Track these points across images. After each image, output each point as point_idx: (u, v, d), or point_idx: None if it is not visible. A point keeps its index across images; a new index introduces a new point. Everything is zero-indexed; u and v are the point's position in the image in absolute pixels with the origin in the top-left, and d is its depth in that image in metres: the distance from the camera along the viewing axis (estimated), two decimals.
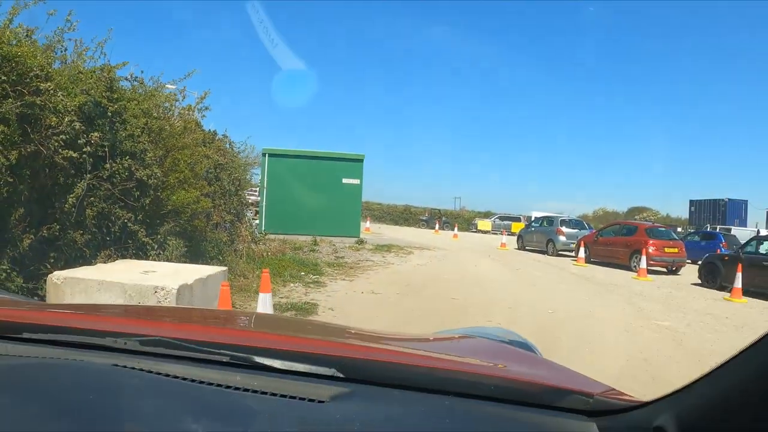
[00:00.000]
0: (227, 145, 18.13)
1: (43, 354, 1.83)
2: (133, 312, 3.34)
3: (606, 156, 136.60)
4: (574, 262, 27.47)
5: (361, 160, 31.31)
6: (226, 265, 11.66)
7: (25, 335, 1.93)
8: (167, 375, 1.70)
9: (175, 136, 12.88)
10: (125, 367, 1.73)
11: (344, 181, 30.26)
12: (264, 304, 9.03)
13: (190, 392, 1.62)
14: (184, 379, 1.68)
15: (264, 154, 29.13)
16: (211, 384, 1.66)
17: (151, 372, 1.71)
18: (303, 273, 16.59)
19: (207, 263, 12.41)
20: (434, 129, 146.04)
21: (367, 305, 12.90)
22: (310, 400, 1.58)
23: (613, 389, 1.73)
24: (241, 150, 20.44)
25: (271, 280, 9.76)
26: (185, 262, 11.27)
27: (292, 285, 14.72)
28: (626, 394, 1.72)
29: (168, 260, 11.03)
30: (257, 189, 29.73)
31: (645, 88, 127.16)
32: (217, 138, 17.39)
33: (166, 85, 13.66)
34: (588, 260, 27.57)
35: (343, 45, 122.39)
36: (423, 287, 16.34)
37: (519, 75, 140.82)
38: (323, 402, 1.57)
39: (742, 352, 1.19)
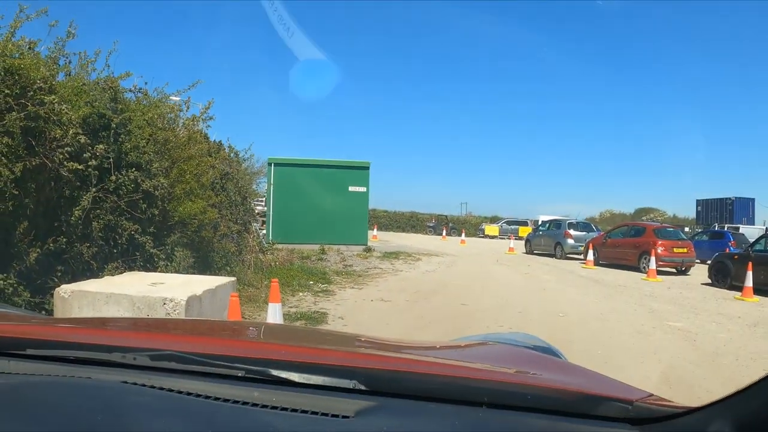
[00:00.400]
0: (232, 155, 18.07)
1: (48, 371, 1.75)
2: (143, 325, 3.27)
3: (611, 158, 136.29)
4: (583, 265, 27.39)
5: (367, 168, 31.31)
6: (234, 276, 11.58)
7: (29, 352, 1.86)
8: (180, 392, 1.62)
9: (181, 146, 12.82)
10: (135, 384, 1.65)
11: (350, 189, 30.25)
12: (274, 314, 8.97)
13: (205, 410, 1.54)
14: (198, 395, 1.60)
15: (270, 164, 29.13)
16: (227, 400, 1.58)
17: (163, 389, 1.63)
18: (312, 282, 16.56)
19: (215, 274, 12.37)
20: (438, 135, 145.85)
21: (377, 313, 12.83)
22: (334, 416, 1.49)
23: (653, 395, 1.64)
24: (246, 159, 20.40)
25: (280, 289, 9.70)
26: (193, 274, 11.22)
27: (301, 294, 14.69)
28: (667, 400, 1.62)
29: (176, 272, 10.98)
30: (264, 199, 29.73)
31: (649, 88, 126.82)
32: (222, 148, 17.33)
33: (171, 97, 13.61)
34: (597, 262, 27.53)
35: (344, 51, 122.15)
36: (432, 294, 16.28)
37: (523, 77, 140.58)
38: (348, 417, 1.49)
39: None
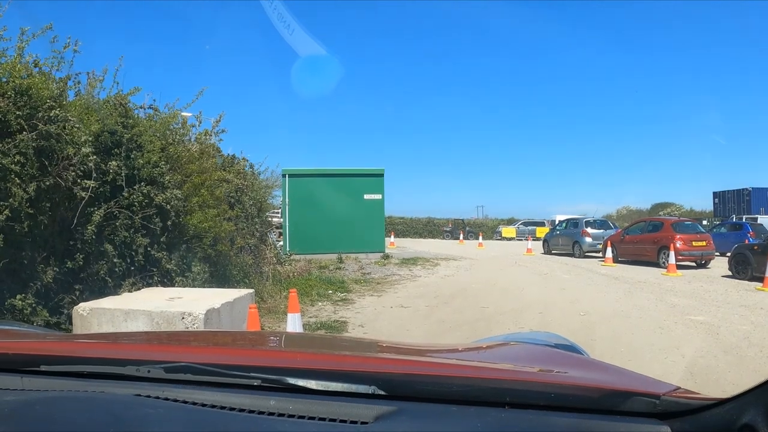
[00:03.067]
0: (247, 167, 18.07)
1: (61, 387, 1.74)
2: (156, 338, 3.26)
3: (626, 154, 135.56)
4: (602, 263, 27.28)
5: (382, 175, 31.22)
6: (252, 288, 11.56)
7: (43, 368, 1.84)
8: (194, 403, 1.59)
9: (194, 161, 12.83)
10: (149, 396, 1.63)
11: (366, 197, 30.16)
12: (293, 325, 8.95)
13: (220, 420, 1.52)
14: (213, 406, 1.57)
15: (284, 175, 29.11)
16: (242, 410, 1.55)
17: (177, 401, 1.60)
18: (330, 291, 16.58)
19: (233, 287, 12.33)
20: (451, 139, 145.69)
21: (397, 319, 12.80)
22: (353, 422, 1.46)
23: (680, 388, 1.60)
24: (261, 171, 20.42)
25: (299, 300, 9.69)
26: (211, 287, 11.22)
27: (320, 304, 14.69)
28: (695, 392, 1.58)
29: (194, 286, 10.98)
30: (279, 210, 29.75)
31: (661, 83, 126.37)
32: (236, 161, 17.34)
33: (181, 113, 13.58)
34: (616, 260, 27.47)
35: (351, 55, 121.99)
36: (452, 298, 16.24)
37: (532, 76, 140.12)
38: (367, 423, 1.46)
39: None
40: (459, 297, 16.49)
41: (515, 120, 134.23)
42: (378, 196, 30.69)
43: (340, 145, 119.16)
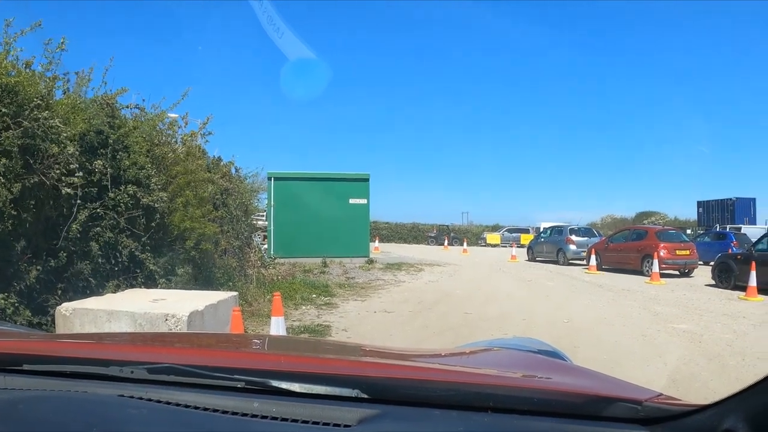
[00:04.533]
0: (233, 170, 18.04)
1: (44, 386, 1.73)
2: (140, 339, 3.25)
3: (611, 163, 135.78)
4: (586, 270, 27.38)
5: (367, 180, 31.25)
6: (236, 291, 11.53)
7: (26, 367, 1.83)
8: (178, 404, 1.59)
9: (180, 162, 12.78)
10: (132, 397, 1.62)
11: (351, 201, 30.17)
12: (277, 328, 8.93)
13: (204, 422, 1.52)
14: (197, 407, 1.57)
15: (269, 178, 28.99)
16: (226, 412, 1.55)
17: (161, 402, 1.60)
18: (314, 295, 16.55)
19: (217, 290, 12.28)
20: (437, 145, 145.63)
21: (380, 324, 12.79)
22: (336, 425, 1.47)
23: (662, 394, 1.61)
24: (248, 175, 20.35)
25: (282, 303, 9.67)
26: (195, 290, 11.19)
27: (304, 308, 14.66)
28: (677, 399, 1.59)
29: (177, 288, 10.94)
30: (265, 213, 29.68)
31: (646, 91, 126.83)
32: (222, 164, 17.30)
33: (168, 114, 13.53)
34: (600, 267, 27.56)
35: (336, 51, 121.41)
36: (436, 304, 16.22)
37: (521, 83, 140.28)
38: (350, 426, 1.46)
39: None
40: (443, 303, 16.48)
41: (500, 126, 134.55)
42: (363, 201, 30.72)
43: (326, 149, 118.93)
